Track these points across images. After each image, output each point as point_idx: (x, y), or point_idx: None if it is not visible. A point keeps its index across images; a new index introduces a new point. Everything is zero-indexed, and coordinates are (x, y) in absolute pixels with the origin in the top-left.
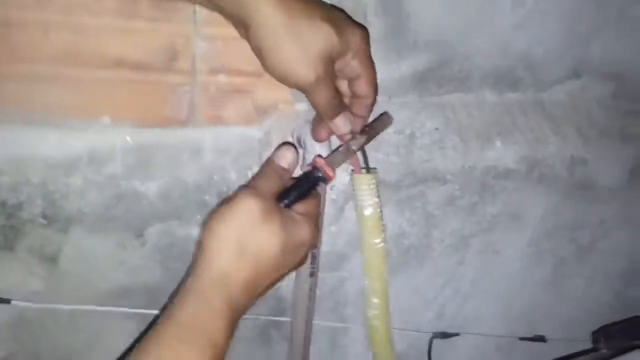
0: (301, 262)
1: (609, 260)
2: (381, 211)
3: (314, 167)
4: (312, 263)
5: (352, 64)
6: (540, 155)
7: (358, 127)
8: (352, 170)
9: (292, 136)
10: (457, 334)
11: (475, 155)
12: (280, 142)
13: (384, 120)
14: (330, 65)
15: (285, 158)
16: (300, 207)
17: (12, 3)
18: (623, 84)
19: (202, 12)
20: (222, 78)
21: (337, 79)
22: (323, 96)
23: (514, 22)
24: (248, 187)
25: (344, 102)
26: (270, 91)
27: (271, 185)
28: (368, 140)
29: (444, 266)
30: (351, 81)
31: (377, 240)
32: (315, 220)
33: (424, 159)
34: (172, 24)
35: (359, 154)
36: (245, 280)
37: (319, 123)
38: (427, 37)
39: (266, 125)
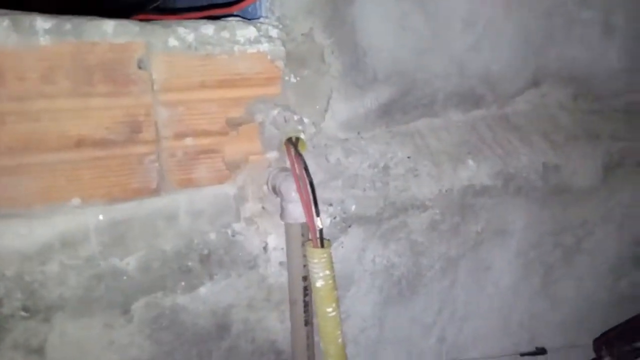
0: None
1: (596, 257)
2: (333, 281)
3: None
4: (305, 312)
5: None
6: (513, 168)
7: None
8: (309, 240)
9: (267, 185)
10: None
11: (450, 177)
12: (255, 193)
13: None
14: None
15: None
16: None
17: None
18: (582, 86)
19: (159, 81)
20: (188, 141)
21: None
22: None
23: (467, 42)
24: None
25: None
26: (239, 145)
27: None
28: None
29: (438, 291)
30: None
31: (329, 309)
32: None
33: (401, 188)
34: (130, 97)
35: (318, 225)
36: None
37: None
38: (386, 69)
39: (240, 180)
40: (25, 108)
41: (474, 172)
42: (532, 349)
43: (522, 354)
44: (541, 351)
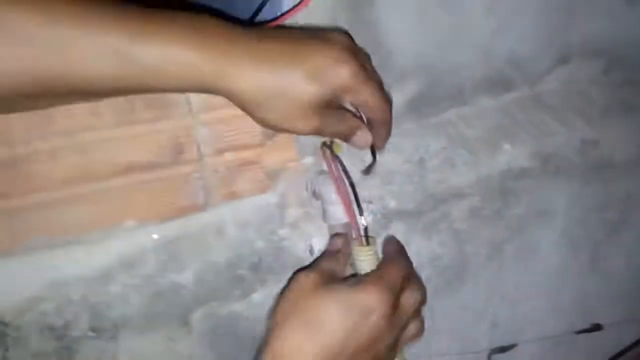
0: (380, 330)
1: None
2: None
3: None
4: None
5: (346, 98)
6: (551, 148)
7: (382, 140)
8: (353, 239)
9: (307, 190)
10: (515, 345)
11: (487, 163)
12: (296, 199)
13: None
14: (323, 107)
15: (335, 244)
16: (371, 275)
17: (16, 140)
18: (612, 57)
19: (196, 102)
20: (229, 156)
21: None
22: (330, 131)
23: (490, 28)
24: (301, 268)
25: (356, 117)
26: (277, 154)
27: (326, 263)
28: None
29: (485, 277)
30: (359, 107)
31: None
32: (386, 284)
33: (438, 180)
34: (171, 120)
35: (362, 223)
36: (314, 354)
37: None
38: (411, 66)
39: (280, 188)
40: (73, 142)
41: (510, 155)
42: (587, 326)
43: (578, 332)
44: (597, 327)
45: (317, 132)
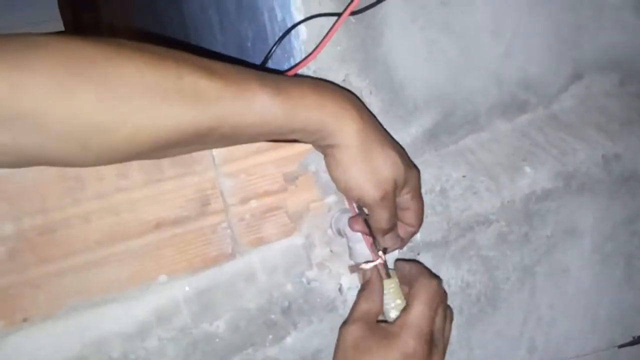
0: None
1: None
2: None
3: None
4: None
5: (405, 196)
6: (572, 166)
7: (398, 246)
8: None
9: (332, 229)
10: None
11: (509, 188)
12: (322, 238)
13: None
14: (393, 190)
15: (369, 280)
16: (402, 318)
17: (51, 207)
18: (627, 68)
19: (219, 155)
20: (253, 204)
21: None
22: (383, 214)
23: (499, 52)
24: (344, 321)
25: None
26: (299, 196)
27: (363, 305)
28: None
29: (519, 302)
30: (400, 210)
31: None
32: (415, 331)
33: (462, 208)
34: (196, 175)
35: (381, 259)
36: None
37: (357, 220)
38: (424, 97)
39: (305, 229)
40: (104, 204)
41: (532, 178)
42: (628, 340)
43: (620, 346)
44: (638, 340)
45: (377, 204)
